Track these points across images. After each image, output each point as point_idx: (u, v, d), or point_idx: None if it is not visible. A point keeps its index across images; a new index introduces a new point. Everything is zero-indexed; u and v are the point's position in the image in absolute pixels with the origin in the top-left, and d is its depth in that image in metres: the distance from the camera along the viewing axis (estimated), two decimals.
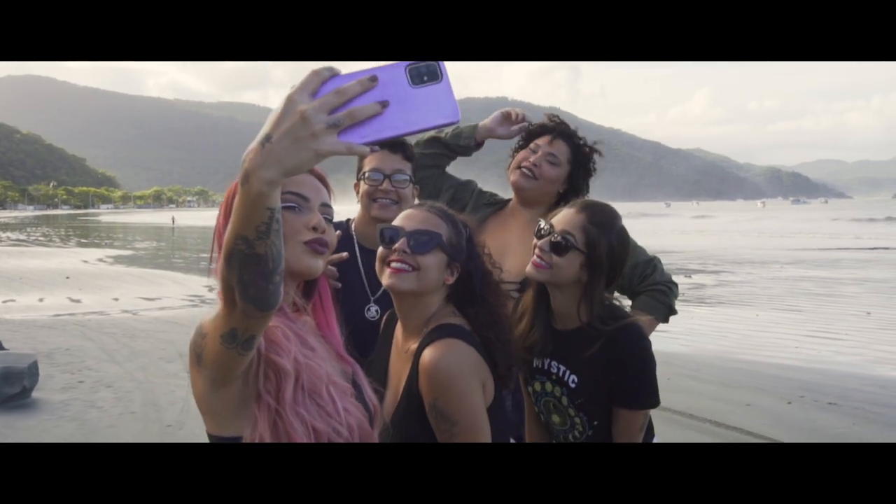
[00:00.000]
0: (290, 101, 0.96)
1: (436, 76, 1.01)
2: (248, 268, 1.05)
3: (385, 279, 1.79)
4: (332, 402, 1.29)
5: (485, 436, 1.67)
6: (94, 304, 13.23)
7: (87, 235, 47.20)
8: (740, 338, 10.58)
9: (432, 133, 2.74)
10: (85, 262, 23.84)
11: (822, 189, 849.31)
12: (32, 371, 6.51)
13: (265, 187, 0.98)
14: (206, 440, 1.29)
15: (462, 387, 1.65)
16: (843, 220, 62.14)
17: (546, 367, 2.09)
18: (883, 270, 20.35)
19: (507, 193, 2.78)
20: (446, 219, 1.82)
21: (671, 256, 23.76)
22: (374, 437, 1.41)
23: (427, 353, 1.67)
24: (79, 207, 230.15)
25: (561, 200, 2.54)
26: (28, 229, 56.38)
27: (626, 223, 2.08)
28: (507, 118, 2.70)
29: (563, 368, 2.05)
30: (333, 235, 1.41)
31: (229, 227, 1.05)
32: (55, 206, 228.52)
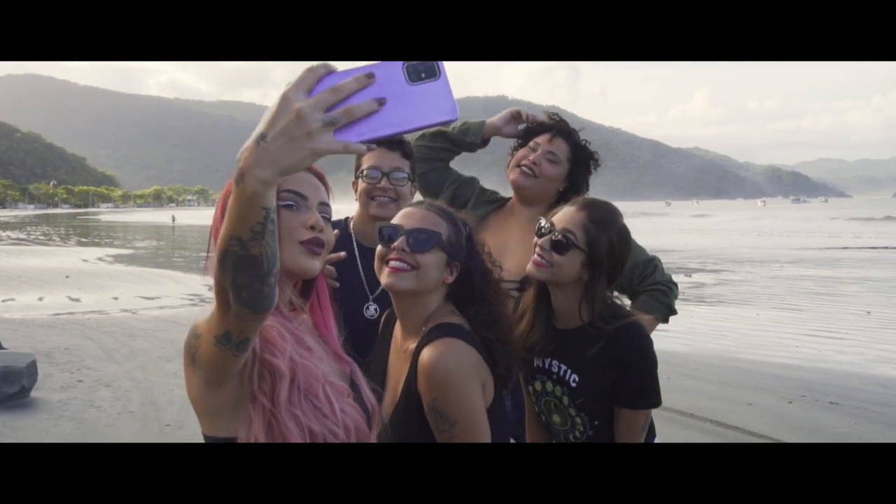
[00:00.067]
0: (285, 99, 0.94)
1: (433, 73, 0.99)
2: (242, 269, 1.03)
3: (384, 278, 1.77)
4: (328, 403, 1.27)
5: (484, 436, 1.66)
6: (93, 303, 13.22)
7: (87, 234, 47.20)
8: (740, 337, 10.58)
9: (439, 127, 2.72)
10: (85, 261, 23.83)
11: (822, 188, 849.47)
12: (31, 370, 6.50)
13: (260, 187, 0.96)
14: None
15: (461, 387, 1.64)
16: (844, 219, 62.18)
17: (547, 366, 2.07)
18: (883, 269, 20.35)
19: (507, 192, 2.77)
20: (446, 217, 1.81)
21: (671, 255, 23.76)
22: (372, 438, 1.40)
23: (426, 353, 1.66)
24: (79, 206, 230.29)
25: (561, 199, 2.52)
26: (28, 228, 56.39)
27: (626, 222, 2.07)
28: (515, 118, 2.68)
29: (564, 368, 2.03)
30: (331, 234, 1.39)
31: (223, 227, 1.03)
32: (55, 205, 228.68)
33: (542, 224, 2.04)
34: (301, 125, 0.93)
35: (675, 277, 2.63)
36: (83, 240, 40.14)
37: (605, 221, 1.99)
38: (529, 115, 2.67)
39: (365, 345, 1.91)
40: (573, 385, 2.01)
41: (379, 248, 1.79)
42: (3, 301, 13.29)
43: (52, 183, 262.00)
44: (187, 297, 14.48)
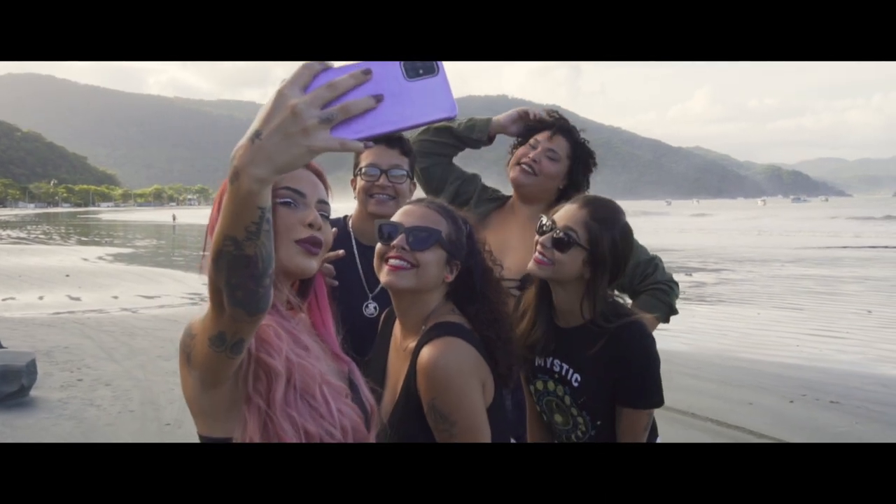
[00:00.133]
0: (280, 96, 0.92)
1: (431, 70, 0.97)
2: (236, 270, 1.01)
3: (383, 276, 1.75)
4: (325, 404, 1.25)
5: (484, 436, 1.64)
6: (93, 302, 13.21)
7: (88, 233, 47.22)
8: (741, 336, 10.56)
9: (444, 122, 2.70)
10: (85, 259, 23.83)
11: (822, 187, 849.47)
12: (31, 369, 6.49)
13: (255, 185, 0.94)
14: None
15: (461, 386, 1.62)
16: (844, 218, 62.17)
17: (548, 365, 2.06)
18: (883, 269, 20.34)
19: (507, 191, 2.76)
20: (446, 215, 1.79)
21: (672, 255, 23.75)
22: (370, 439, 1.38)
23: (425, 352, 1.64)
24: (79, 205, 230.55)
25: (561, 197, 2.51)
26: (28, 227, 56.40)
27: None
28: (522, 118, 2.67)
29: (565, 367, 2.02)
30: (330, 233, 1.37)
31: (217, 226, 1.01)
32: (56, 204, 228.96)
33: (544, 222, 2.03)
34: (297, 122, 0.91)
35: (675, 276, 2.62)
36: (83, 239, 40.15)
37: (607, 219, 1.97)
38: (536, 114, 2.65)
39: (364, 343, 1.89)
40: (575, 384, 2.00)
41: (378, 245, 1.78)
42: (3, 300, 13.28)
43: (52, 182, 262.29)
44: (187, 296, 14.46)
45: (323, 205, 1.37)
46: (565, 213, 1.99)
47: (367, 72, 0.95)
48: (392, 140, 2.35)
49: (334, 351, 1.43)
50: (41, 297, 13.73)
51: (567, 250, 1.95)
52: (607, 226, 1.95)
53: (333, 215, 1.46)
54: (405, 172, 2.38)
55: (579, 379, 1.99)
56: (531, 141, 2.58)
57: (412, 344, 1.72)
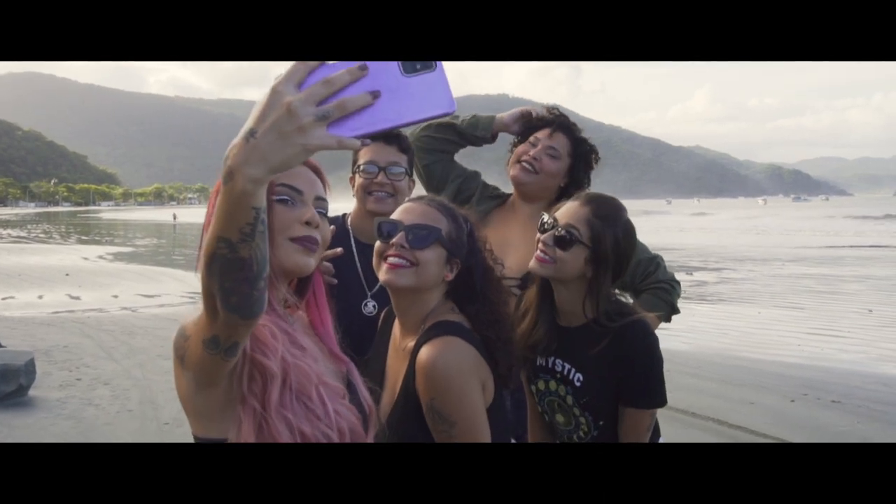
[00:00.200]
0: (274, 93, 0.90)
1: (429, 65, 0.95)
2: (230, 273, 0.99)
3: (382, 275, 1.73)
4: (321, 405, 1.23)
5: (484, 437, 1.62)
6: (93, 301, 13.20)
7: (88, 232, 47.24)
8: (742, 335, 10.55)
9: (447, 119, 2.69)
10: (85, 258, 23.82)
11: (823, 186, 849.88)
12: (29, 368, 6.48)
13: (250, 185, 0.92)
14: None
15: (461, 386, 1.60)
16: (845, 217, 62.18)
17: (550, 365, 2.04)
18: (884, 268, 20.33)
19: (507, 190, 2.74)
20: (446, 213, 1.77)
21: (672, 254, 23.74)
22: (368, 440, 1.36)
23: (424, 351, 1.62)
24: (79, 204, 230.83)
25: (562, 194, 2.49)
26: (29, 226, 56.44)
27: None
28: (525, 117, 2.65)
29: (567, 366, 1.99)
30: (327, 230, 1.35)
31: (210, 228, 0.98)
32: (56, 203, 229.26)
33: (545, 219, 2.00)
34: (292, 120, 0.89)
35: (676, 275, 2.60)
36: (84, 238, 40.16)
37: (609, 216, 1.95)
38: (538, 114, 2.63)
39: (363, 342, 1.87)
40: (577, 384, 1.97)
41: (377, 243, 1.76)
42: (3, 299, 13.27)
43: (52, 181, 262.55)
44: (187, 294, 14.44)
45: (320, 202, 1.34)
46: (567, 211, 1.97)
47: (364, 67, 0.93)
48: (390, 137, 2.33)
49: (333, 351, 1.41)
50: (41, 296, 13.72)
51: (569, 248, 1.92)
52: (609, 223, 1.93)
53: (332, 215, 1.44)
54: (404, 169, 2.36)
55: (582, 379, 1.97)
56: (531, 139, 2.56)
57: (411, 343, 1.70)
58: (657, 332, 2.24)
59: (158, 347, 8.59)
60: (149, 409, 6.15)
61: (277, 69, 0.94)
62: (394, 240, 1.71)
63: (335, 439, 1.24)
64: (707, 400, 6.75)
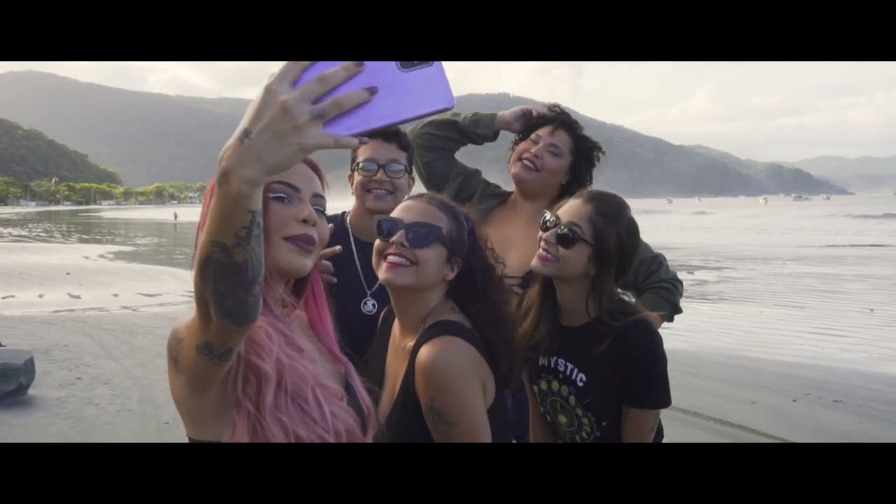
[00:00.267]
0: (268, 92, 0.87)
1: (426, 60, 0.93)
2: (224, 278, 0.96)
3: (381, 273, 1.71)
4: (317, 407, 1.20)
5: (484, 438, 1.60)
6: (93, 300, 13.19)
7: (89, 231, 47.26)
8: (743, 334, 10.53)
9: (448, 115, 2.67)
10: (86, 257, 23.82)
11: (824, 185, 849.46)
12: (29, 368, 6.46)
13: (246, 187, 0.89)
14: None
15: (461, 386, 1.58)
16: (846, 216, 62.15)
17: (553, 365, 2.01)
18: (886, 267, 20.30)
19: (509, 189, 2.72)
20: (447, 211, 1.74)
21: (673, 253, 23.71)
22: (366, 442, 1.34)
23: (424, 351, 1.59)
24: (80, 203, 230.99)
25: (564, 192, 2.47)
26: (30, 225, 56.45)
27: None
28: (525, 115, 2.63)
29: (570, 366, 1.97)
30: (325, 228, 1.32)
31: (204, 232, 0.95)
32: (57, 203, 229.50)
33: (548, 217, 1.98)
34: (287, 119, 0.86)
35: (677, 274, 2.58)
36: (84, 237, 40.17)
37: (612, 214, 1.93)
38: (540, 112, 2.62)
39: (362, 342, 1.85)
40: (580, 384, 1.95)
41: (377, 242, 1.74)
42: (4, 298, 13.26)
43: (53, 180, 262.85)
44: (188, 293, 14.37)
45: (318, 199, 1.32)
46: (570, 209, 1.95)
47: (360, 63, 0.90)
48: (389, 134, 2.31)
49: (331, 351, 1.39)
50: (41, 295, 13.72)
51: (572, 246, 1.90)
52: (613, 221, 1.91)
53: (333, 213, 1.41)
54: (403, 167, 2.35)
55: (585, 379, 1.94)
56: (532, 136, 2.54)
57: (411, 343, 1.68)
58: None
59: (159, 346, 8.57)
60: (149, 408, 6.13)
61: (278, 67, 0.91)
62: (393, 238, 1.69)
63: (332, 442, 1.22)
64: (708, 399, 6.73)
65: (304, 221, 1.26)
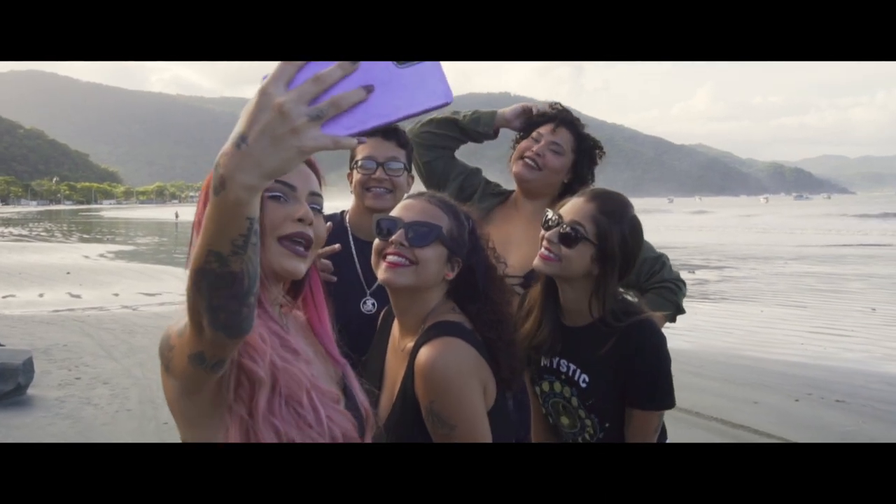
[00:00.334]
0: (263, 94, 0.85)
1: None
2: (219, 290, 0.93)
3: (381, 273, 1.68)
4: (312, 411, 1.17)
5: (485, 440, 1.57)
6: (93, 299, 13.18)
7: (89, 231, 47.27)
8: (745, 334, 10.51)
9: (448, 114, 2.65)
10: (86, 257, 23.83)
11: (825, 185, 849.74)
12: (27, 367, 6.45)
13: (244, 194, 0.86)
14: None
15: (460, 388, 1.55)
16: (847, 215, 62.15)
17: (555, 366, 1.99)
18: (887, 266, 20.27)
19: (510, 187, 2.69)
20: (447, 210, 1.72)
21: (674, 252, 23.69)
22: None
23: (423, 352, 1.57)
24: (81, 203, 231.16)
25: (566, 191, 2.44)
26: (30, 224, 56.49)
27: None
28: (526, 113, 2.61)
29: (573, 367, 1.95)
30: (322, 227, 1.29)
31: (199, 241, 0.92)
32: (58, 202, 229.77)
33: (550, 216, 1.95)
34: (284, 122, 0.84)
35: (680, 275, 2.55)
36: (85, 236, 40.18)
37: (615, 213, 1.90)
38: (540, 110, 2.59)
39: (362, 341, 1.83)
40: (583, 385, 1.93)
41: (376, 241, 1.71)
42: (3, 297, 13.26)
43: (54, 179, 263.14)
44: None
45: (315, 197, 1.28)
46: (572, 207, 1.92)
47: (354, 61, 0.88)
48: (388, 132, 2.29)
49: (330, 352, 1.36)
50: (41, 295, 13.71)
51: (574, 245, 1.87)
52: (616, 220, 1.89)
53: (332, 212, 1.38)
54: (402, 165, 2.32)
55: (587, 380, 1.92)
56: (534, 134, 2.52)
57: (410, 344, 1.65)
58: None
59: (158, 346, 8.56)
60: (148, 408, 6.11)
61: (271, 71, 0.89)
62: (393, 237, 1.66)
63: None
64: (710, 399, 6.71)
65: (300, 220, 1.22)
